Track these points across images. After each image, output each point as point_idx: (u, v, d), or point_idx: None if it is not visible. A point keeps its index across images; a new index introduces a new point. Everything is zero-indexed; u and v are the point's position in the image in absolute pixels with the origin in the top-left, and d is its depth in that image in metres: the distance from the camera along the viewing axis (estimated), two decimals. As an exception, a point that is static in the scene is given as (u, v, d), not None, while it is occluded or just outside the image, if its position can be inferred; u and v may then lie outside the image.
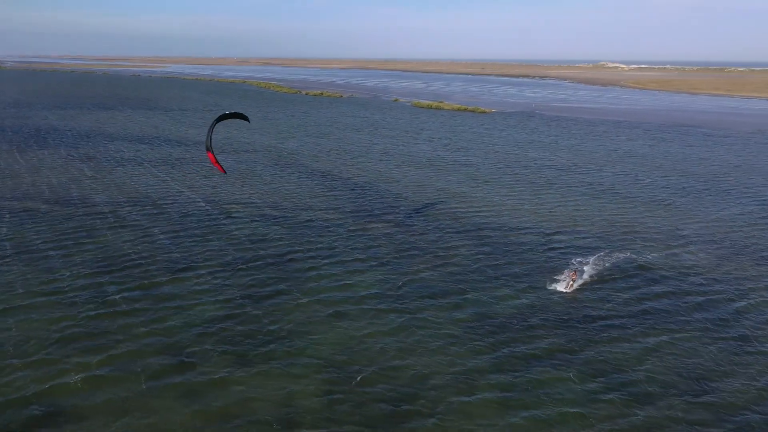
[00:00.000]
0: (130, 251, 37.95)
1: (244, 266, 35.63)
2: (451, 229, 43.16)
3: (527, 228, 43.60)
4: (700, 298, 31.30)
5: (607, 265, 35.44)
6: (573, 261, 36.18)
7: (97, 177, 59.56)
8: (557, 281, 32.71)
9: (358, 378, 23.44)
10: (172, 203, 49.76)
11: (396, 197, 52.81)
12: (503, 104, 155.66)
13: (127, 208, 47.90)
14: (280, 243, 39.83)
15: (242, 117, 37.45)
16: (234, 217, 45.80)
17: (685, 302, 30.80)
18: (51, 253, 37.43)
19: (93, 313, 29.21)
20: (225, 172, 38.95)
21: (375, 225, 44.19)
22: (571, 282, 31.92)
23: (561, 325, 28.05)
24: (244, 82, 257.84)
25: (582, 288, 32.07)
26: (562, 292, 31.37)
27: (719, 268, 35.59)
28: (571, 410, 21.47)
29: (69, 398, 22.31)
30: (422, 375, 23.74)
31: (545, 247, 39.49)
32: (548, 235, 42.10)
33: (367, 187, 56.49)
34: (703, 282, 33.44)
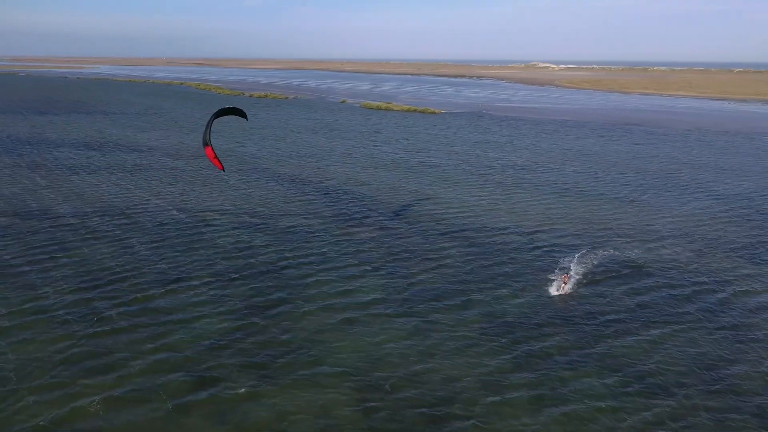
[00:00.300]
0: (113, 264, 36.43)
1: (237, 276, 34.89)
2: (435, 232, 43.64)
3: (507, 228, 44.63)
4: (687, 291, 33.01)
5: (593, 263, 36.78)
6: (561, 260, 37.33)
7: (53, 186, 56.67)
8: (550, 283, 33.55)
9: (388, 385, 23.48)
10: (142, 212, 48.00)
11: (372, 200, 52.87)
12: (449, 105, 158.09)
13: (96, 219, 45.87)
14: (269, 250, 39.19)
15: (241, 113, 35.96)
16: (213, 225, 44.67)
17: (674, 295, 32.42)
18: (25, 269, 35.48)
19: (90, 330, 27.95)
20: (223, 169, 36.67)
21: (359, 229, 44.13)
22: (563, 284, 32.78)
23: (566, 324, 28.96)
24: (182, 83, 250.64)
25: (575, 287, 33.11)
26: (557, 294, 32.15)
27: (697, 262, 37.62)
28: (599, 404, 22.28)
29: (90, 422, 21.34)
30: (449, 378, 24.02)
31: (530, 246, 40.56)
32: (529, 234, 43.24)
33: (340, 191, 56.27)
34: (686, 275, 35.26)
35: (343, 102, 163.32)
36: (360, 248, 39.88)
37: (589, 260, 37.13)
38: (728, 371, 24.61)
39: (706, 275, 35.31)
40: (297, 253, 38.76)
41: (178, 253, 38.58)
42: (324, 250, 39.53)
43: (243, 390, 23.06)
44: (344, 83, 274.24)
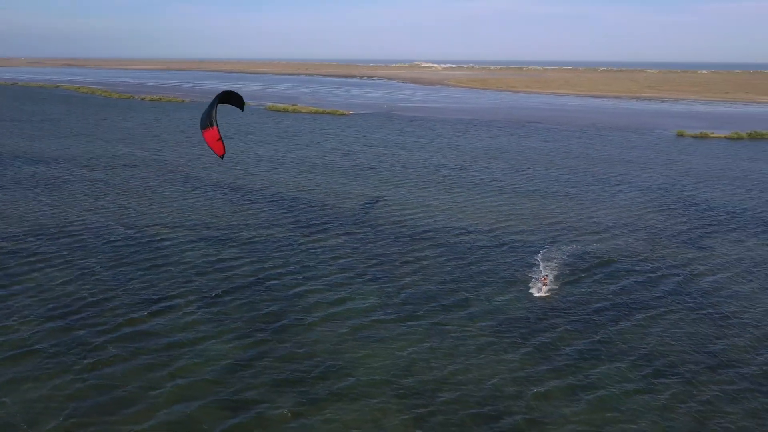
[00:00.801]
0: (75, 289, 33.75)
1: (221, 291, 33.61)
2: (401, 234, 44.32)
3: (466, 228, 46.25)
4: (652, 277, 36.20)
5: (562, 258, 39.09)
6: (530, 257, 39.27)
7: (-37, 206, 51.00)
8: (532, 281, 34.96)
9: (428, 389, 23.88)
10: (83, 230, 44.58)
11: (324, 206, 52.55)
12: (354, 105, 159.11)
13: (34, 241, 42.03)
14: (243, 263, 37.99)
15: (239, 102, 32.83)
16: (169, 240, 42.46)
17: (643, 282, 35.43)
18: (-24, 301, 31.94)
19: (86, 362, 25.92)
20: (222, 156, 31.69)
21: (325, 236, 43.85)
22: (543, 285, 34.09)
23: (561, 317, 30.79)
24: (57, 86, 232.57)
25: (555, 283, 34.85)
26: (539, 295, 33.25)
27: (648, 250, 41.21)
28: (624, 387, 24.10)
29: (135, 461, 19.91)
30: (481, 376, 24.85)
31: (495, 244, 42.36)
32: (488, 232, 45.11)
33: (287, 198, 55.36)
34: (645, 263, 38.57)
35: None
36: (335, 255, 39.70)
37: (556, 256, 39.42)
38: (718, 346, 27.49)
39: (660, 261, 38.83)
40: (273, 264, 37.89)
41: (145, 272, 36.41)
42: (299, 259, 38.94)
43: (286, 410, 22.49)
44: (236, 84, 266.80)
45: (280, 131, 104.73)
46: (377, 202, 54.29)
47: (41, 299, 32.32)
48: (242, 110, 34.75)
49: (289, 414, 22.26)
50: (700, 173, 69.11)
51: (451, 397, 23.42)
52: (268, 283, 34.90)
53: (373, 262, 38.58)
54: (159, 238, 43.03)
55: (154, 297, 32.79)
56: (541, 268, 36.82)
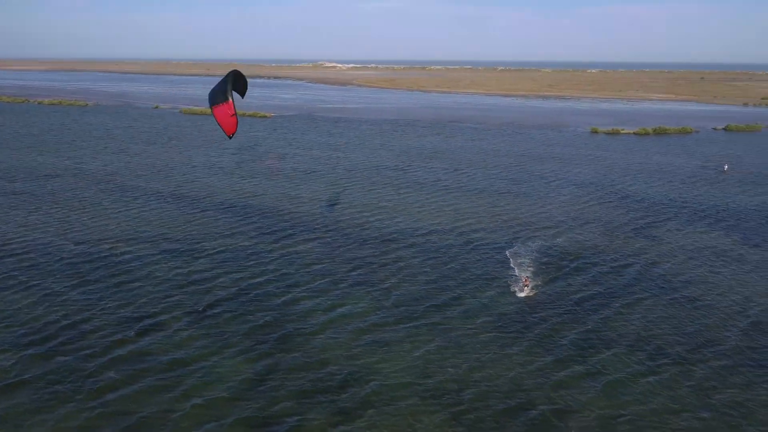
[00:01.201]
0: (48, 314, 31.45)
1: (207, 305, 32.53)
2: (368, 238, 44.60)
3: (432, 229, 47.21)
4: (618, 267, 38.86)
5: (532, 255, 40.83)
6: (501, 255, 40.78)
7: None
8: (513, 285, 35.59)
9: (453, 389, 24.50)
10: (28, 249, 41.40)
11: (281, 212, 51.77)
12: (272, 107, 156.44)
13: (-26, 262, 38.53)
14: (219, 275, 36.87)
15: (244, 88, 29.32)
16: (130, 255, 40.35)
17: (612, 273, 37.94)
18: (-69, 332, 29.04)
19: (88, 389, 24.44)
20: (231, 136, 28.54)
21: (291, 242, 43.35)
22: (526, 286, 35.15)
23: (551, 310, 32.43)
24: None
25: (537, 281, 36.15)
26: (525, 296, 34.20)
27: (607, 242, 44.06)
28: (629, 370, 25.90)
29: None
30: (499, 372, 25.81)
31: (462, 243, 43.63)
32: (453, 232, 46.33)
33: (238, 205, 54.00)
34: (608, 255, 41.24)
35: (156, 107, 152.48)
36: (310, 261, 39.43)
37: (524, 252, 41.18)
38: (693, 328, 30.13)
39: (617, 252, 41.73)
40: (251, 274, 37.07)
41: (115, 290, 34.50)
42: (276, 267, 38.32)
43: (322, 422, 22.32)
44: (141, 86, 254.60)
45: (204, 135, 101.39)
46: (333, 205, 54.19)
47: (7, 326, 29.84)
48: (242, 97, 30.99)
49: (326, 426, 22.11)
50: (622, 167, 74.33)
51: (476, 393, 24.19)
52: (253, 294, 34.13)
53: (351, 266, 38.65)
54: (117, 252, 40.76)
55: (135, 315, 31.18)
56: (514, 267, 38.08)
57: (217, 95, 27.93)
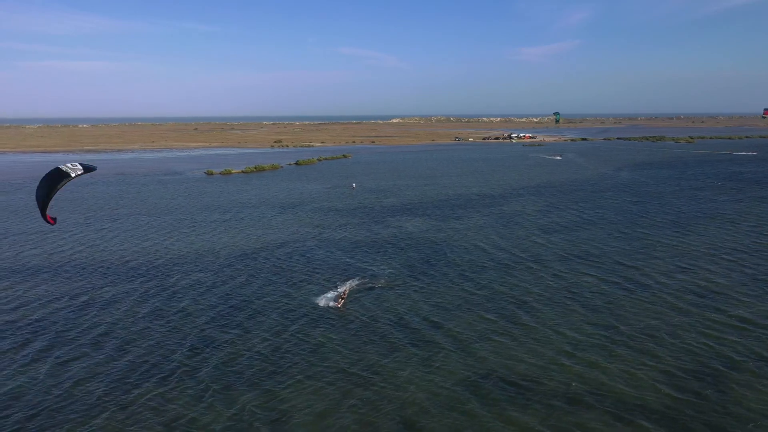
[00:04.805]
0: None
1: (213, 368, 31.93)
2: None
3: (238, 265, 52.41)
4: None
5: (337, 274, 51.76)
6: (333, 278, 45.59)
7: None
8: (330, 299, 40.72)
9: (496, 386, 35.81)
10: None
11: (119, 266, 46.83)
12: None
13: None
14: (187, 319, 35.69)
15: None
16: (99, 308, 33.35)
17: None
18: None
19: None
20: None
21: (181, 288, 42.69)
22: (342, 298, 40.10)
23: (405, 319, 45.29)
24: None
25: (350, 297, 41.41)
26: (338, 307, 38.96)
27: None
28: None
29: None
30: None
31: (275, 271, 51.23)
32: (244, 261, 52.04)
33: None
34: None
35: None
36: (234, 301, 41.10)
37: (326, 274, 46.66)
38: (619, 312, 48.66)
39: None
40: (215, 316, 37.10)
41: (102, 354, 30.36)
42: (237, 304, 38.91)
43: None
44: None
45: None
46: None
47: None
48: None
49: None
50: (280, 198, 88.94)
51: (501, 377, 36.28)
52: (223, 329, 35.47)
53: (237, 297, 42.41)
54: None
55: (150, 376, 29.75)
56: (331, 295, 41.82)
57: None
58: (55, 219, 28.55)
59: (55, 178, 26.65)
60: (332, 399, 27.50)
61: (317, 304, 40.03)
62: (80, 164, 27.28)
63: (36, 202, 27.09)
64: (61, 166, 27.05)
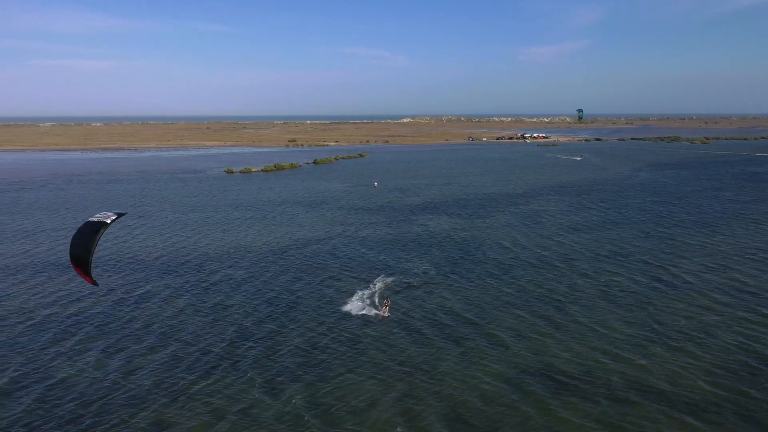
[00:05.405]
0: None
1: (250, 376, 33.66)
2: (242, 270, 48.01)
3: (270, 264, 53.20)
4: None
5: (367, 277, 52.65)
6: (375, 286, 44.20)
7: None
8: (365, 297, 41.03)
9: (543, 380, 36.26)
10: None
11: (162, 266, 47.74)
12: None
13: None
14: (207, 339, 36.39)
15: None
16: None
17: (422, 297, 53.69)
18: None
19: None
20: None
21: (217, 290, 43.46)
22: (386, 305, 38.75)
23: (446, 325, 46.09)
24: None
25: (390, 303, 39.79)
26: (383, 315, 37.94)
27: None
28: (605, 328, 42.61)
29: None
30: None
31: (317, 274, 52.02)
32: (286, 264, 53.69)
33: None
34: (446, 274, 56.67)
35: None
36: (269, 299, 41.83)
37: (363, 278, 47.35)
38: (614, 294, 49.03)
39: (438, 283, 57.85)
40: (222, 339, 37.83)
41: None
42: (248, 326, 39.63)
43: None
44: None
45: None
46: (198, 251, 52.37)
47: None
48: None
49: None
50: (303, 196, 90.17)
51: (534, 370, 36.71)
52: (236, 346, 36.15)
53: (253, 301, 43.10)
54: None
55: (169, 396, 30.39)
56: (365, 293, 42.10)
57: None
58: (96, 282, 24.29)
59: (90, 232, 23.24)
60: (375, 392, 27.99)
61: (350, 300, 40.60)
62: (109, 213, 23.50)
63: (71, 260, 23.35)
64: (90, 219, 23.81)
